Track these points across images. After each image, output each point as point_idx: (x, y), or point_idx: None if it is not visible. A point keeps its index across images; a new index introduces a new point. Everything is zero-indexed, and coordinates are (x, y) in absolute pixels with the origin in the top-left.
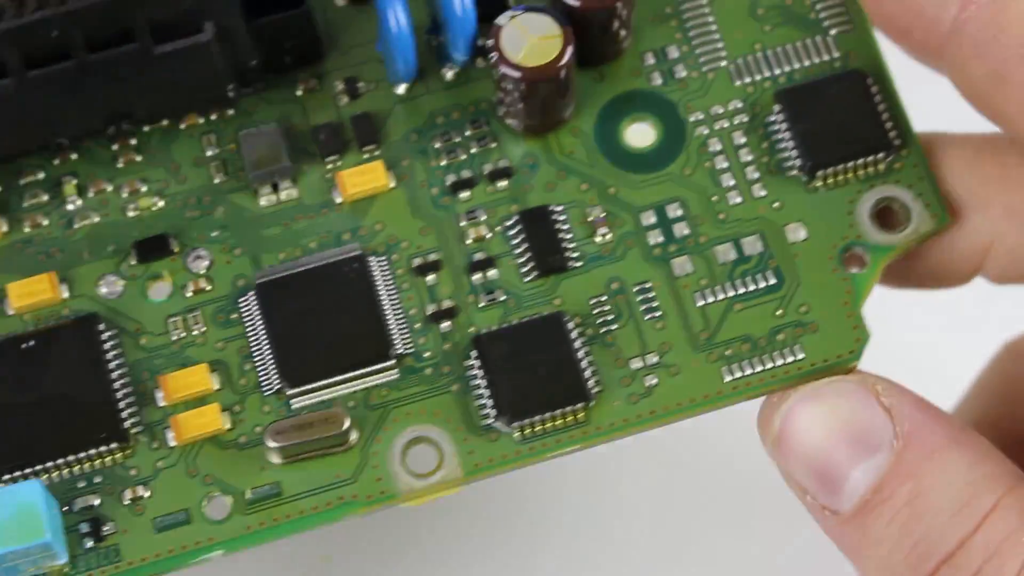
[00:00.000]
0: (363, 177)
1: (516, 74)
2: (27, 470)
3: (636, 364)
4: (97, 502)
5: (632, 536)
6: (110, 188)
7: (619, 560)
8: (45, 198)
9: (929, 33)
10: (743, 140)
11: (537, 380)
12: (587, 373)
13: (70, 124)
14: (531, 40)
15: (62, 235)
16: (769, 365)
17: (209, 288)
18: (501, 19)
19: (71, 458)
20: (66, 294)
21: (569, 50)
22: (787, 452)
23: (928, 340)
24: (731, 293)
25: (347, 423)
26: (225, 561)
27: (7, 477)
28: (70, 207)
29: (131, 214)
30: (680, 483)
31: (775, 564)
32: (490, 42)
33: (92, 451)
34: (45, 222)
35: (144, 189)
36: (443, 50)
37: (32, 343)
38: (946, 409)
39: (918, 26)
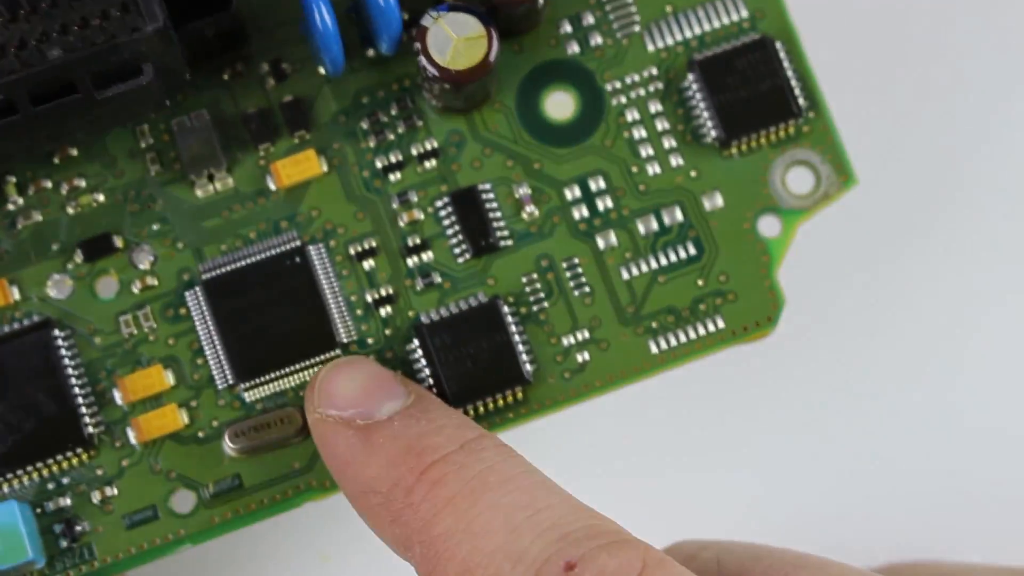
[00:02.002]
0: (297, 167)
1: (444, 77)
2: None
3: (568, 341)
4: (68, 503)
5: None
6: (49, 185)
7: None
8: None
9: None
10: (659, 108)
11: (477, 366)
12: (524, 356)
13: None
14: (456, 42)
15: (6, 235)
16: (693, 336)
17: (155, 284)
18: (426, 19)
19: (39, 464)
20: (17, 296)
21: (495, 50)
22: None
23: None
24: (654, 265)
25: (302, 421)
26: (223, 560)
27: None
28: (11, 207)
29: (72, 211)
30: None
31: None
32: (416, 45)
33: (59, 456)
34: None
35: (83, 184)
36: (365, 29)
37: None
38: None
39: None
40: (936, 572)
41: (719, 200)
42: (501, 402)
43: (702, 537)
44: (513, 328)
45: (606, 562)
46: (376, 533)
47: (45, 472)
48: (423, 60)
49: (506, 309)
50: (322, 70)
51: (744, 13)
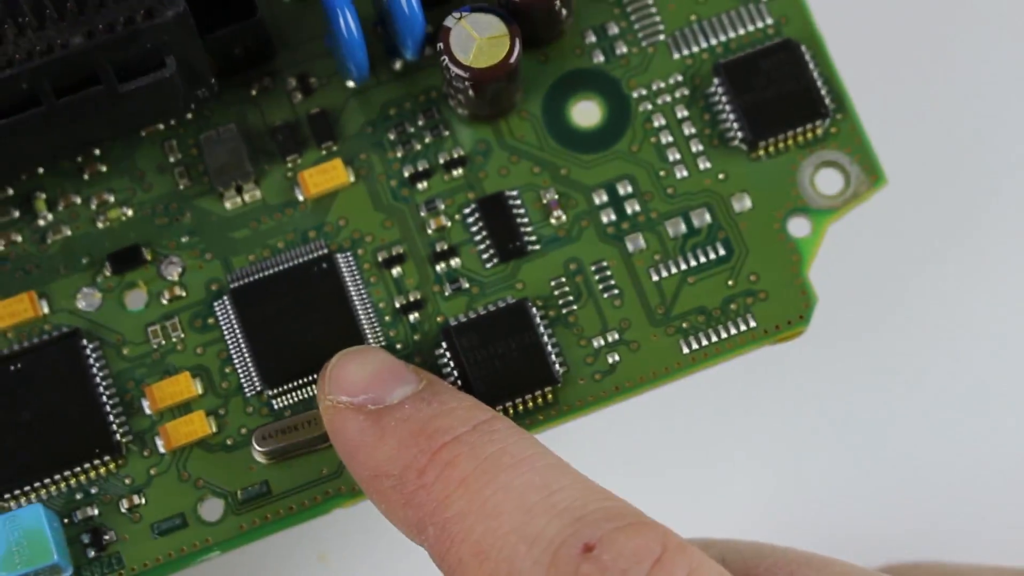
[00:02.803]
0: (324, 176)
1: (466, 75)
2: (26, 488)
3: (598, 342)
4: (96, 512)
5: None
6: (79, 200)
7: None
8: (16, 214)
9: None
10: (685, 113)
11: (506, 367)
12: (553, 357)
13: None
14: (479, 41)
15: (36, 250)
16: (724, 335)
17: (184, 295)
18: (448, 20)
19: (67, 473)
20: (46, 309)
21: (517, 49)
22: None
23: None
24: (683, 267)
25: None
26: (222, 559)
27: (7, 496)
28: (41, 222)
29: (101, 225)
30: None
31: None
32: (439, 45)
33: (87, 465)
34: (19, 238)
35: (112, 199)
36: (391, 42)
37: (20, 365)
38: None
39: None
40: (936, 572)
41: (748, 202)
42: (531, 404)
43: (706, 535)
44: (542, 329)
45: (625, 544)
46: (388, 518)
47: (73, 481)
48: (446, 59)
49: (535, 311)
50: (349, 83)
51: (768, 20)
